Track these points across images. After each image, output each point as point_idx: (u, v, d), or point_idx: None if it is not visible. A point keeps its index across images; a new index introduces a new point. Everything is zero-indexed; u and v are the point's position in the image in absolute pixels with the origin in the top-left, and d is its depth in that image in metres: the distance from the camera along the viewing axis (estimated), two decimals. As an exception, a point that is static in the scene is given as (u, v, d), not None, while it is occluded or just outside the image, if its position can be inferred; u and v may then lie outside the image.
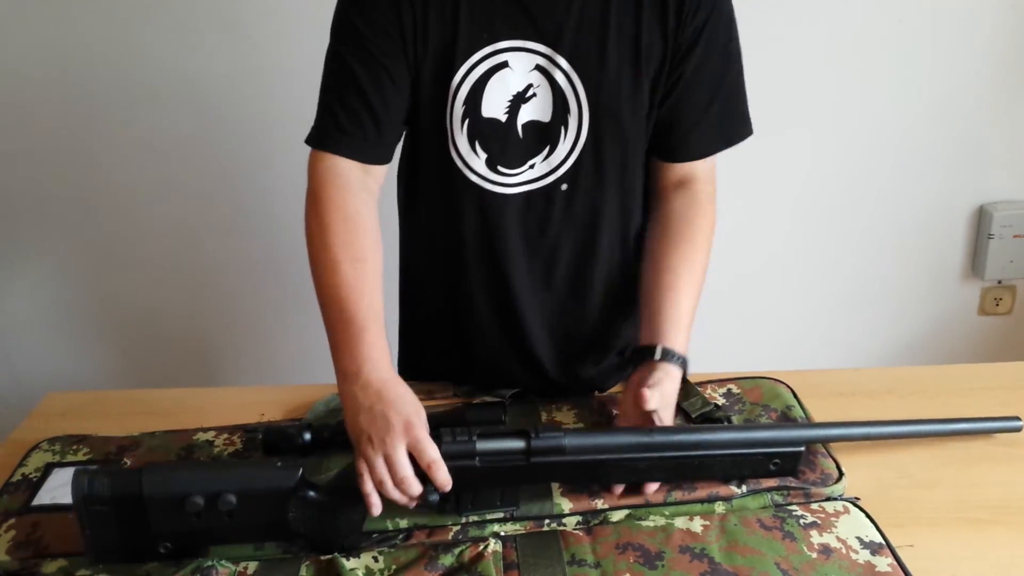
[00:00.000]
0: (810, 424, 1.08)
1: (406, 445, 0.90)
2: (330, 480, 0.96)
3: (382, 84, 1.07)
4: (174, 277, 2.15)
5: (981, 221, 2.12)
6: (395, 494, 0.91)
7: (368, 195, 1.10)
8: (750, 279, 2.16)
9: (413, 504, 0.92)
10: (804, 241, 2.15)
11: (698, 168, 1.17)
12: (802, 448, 0.99)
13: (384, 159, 1.12)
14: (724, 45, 1.12)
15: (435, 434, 0.92)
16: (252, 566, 0.90)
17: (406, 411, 0.92)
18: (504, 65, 1.07)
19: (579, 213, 1.15)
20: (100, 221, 2.09)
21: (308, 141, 1.11)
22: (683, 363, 1.06)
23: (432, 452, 0.91)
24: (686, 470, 0.97)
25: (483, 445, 0.93)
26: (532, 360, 1.22)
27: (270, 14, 1.87)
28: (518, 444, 0.94)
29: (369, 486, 0.90)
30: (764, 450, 0.97)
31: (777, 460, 0.98)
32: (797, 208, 2.11)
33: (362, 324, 0.99)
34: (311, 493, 0.92)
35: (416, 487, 0.91)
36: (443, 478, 0.90)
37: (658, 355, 1.05)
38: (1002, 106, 2.01)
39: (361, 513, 0.93)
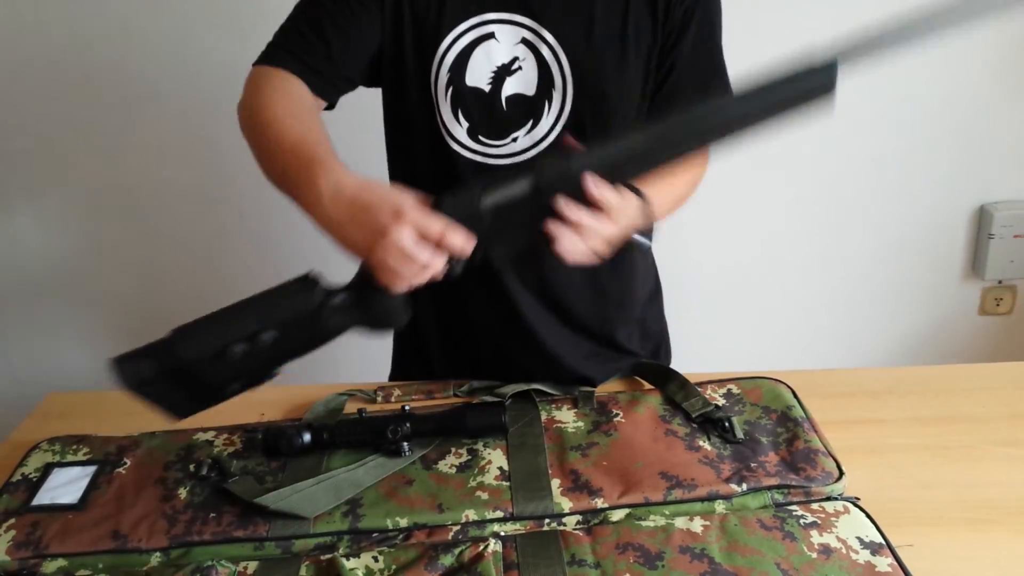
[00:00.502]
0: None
1: (408, 230, 0.83)
2: (352, 279, 0.92)
3: (346, 29, 1.08)
4: (175, 277, 2.15)
5: (982, 221, 2.12)
6: (423, 277, 0.87)
7: (313, 100, 1.08)
8: (750, 278, 2.16)
9: (443, 276, 0.88)
10: (805, 241, 2.15)
11: None
12: (837, 61, 0.85)
13: (327, 95, 1.11)
14: (714, 24, 1.13)
15: (435, 202, 0.86)
16: (252, 566, 0.90)
17: (389, 201, 0.85)
18: (490, 36, 1.09)
19: None
20: (100, 221, 2.09)
21: (256, 62, 1.10)
22: (648, 210, 0.97)
23: (435, 225, 0.84)
24: (710, 143, 0.88)
25: (489, 200, 0.86)
26: (522, 335, 1.23)
27: (271, 14, 1.87)
28: (523, 185, 0.86)
29: (402, 286, 0.87)
30: (794, 81, 0.85)
31: (811, 86, 0.86)
32: (797, 208, 2.11)
33: (316, 153, 0.93)
34: (340, 297, 0.90)
35: (437, 263, 0.85)
36: (458, 243, 0.85)
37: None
38: (1003, 105, 2.00)
39: (398, 297, 0.90)
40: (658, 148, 0.87)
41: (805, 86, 0.85)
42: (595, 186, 0.86)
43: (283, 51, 1.08)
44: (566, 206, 0.86)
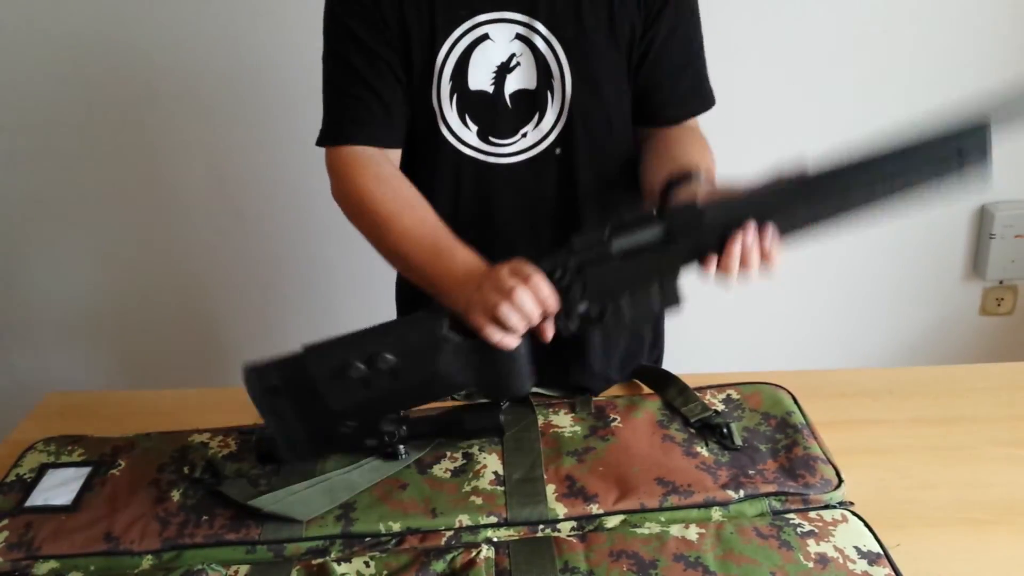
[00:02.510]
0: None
1: (527, 289, 0.90)
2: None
3: (381, 71, 1.10)
4: (174, 276, 2.15)
5: (983, 221, 2.10)
6: (532, 323, 0.91)
7: (393, 168, 1.12)
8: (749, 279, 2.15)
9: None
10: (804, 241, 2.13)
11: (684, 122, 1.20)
12: (989, 123, 0.82)
13: (398, 142, 1.14)
14: (691, 9, 1.15)
15: (566, 244, 0.91)
16: (243, 570, 0.90)
17: (509, 265, 0.93)
18: (485, 37, 1.10)
19: (577, 177, 1.17)
20: (99, 221, 2.08)
21: (322, 142, 1.14)
22: None
23: (543, 287, 0.90)
24: (853, 203, 0.85)
25: (619, 243, 0.89)
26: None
27: (270, 16, 1.87)
28: (655, 231, 0.89)
29: (510, 340, 0.92)
30: (943, 142, 0.82)
31: (961, 147, 0.82)
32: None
33: (450, 244, 1.01)
34: (461, 338, 0.92)
35: (550, 303, 0.90)
36: (542, 292, 0.90)
37: (702, 177, 1.00)
38: (1005, 105, 1.99)
39: (521, 351, 0.94)
40: (794, 206, 0.87)
41: (959, 150, 0.83)
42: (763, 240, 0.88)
43: (348, 124, 1.12)
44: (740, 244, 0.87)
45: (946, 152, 0.83)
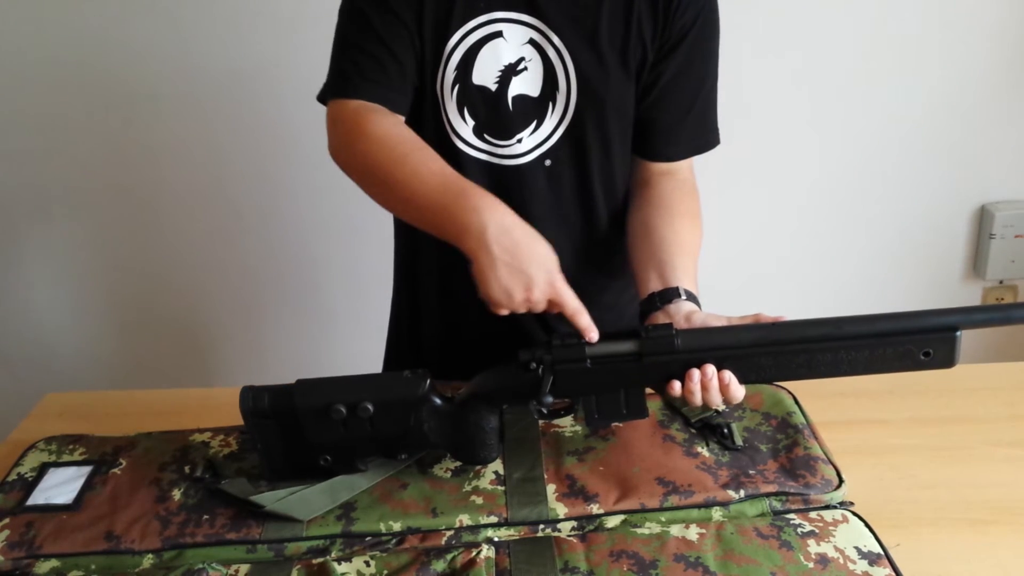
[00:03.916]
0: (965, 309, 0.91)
1: (548, 298, 0.95)
2: (461, 392, 0.99)
3: (400, 34, 1.07)
4: (174, 276, 2.15)
5: (983, 221, 2.11)
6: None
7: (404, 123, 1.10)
8: (749, 279, 2.16)
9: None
10: (805, 241, 2.14)
11: (679, 162, 1.20)
12: (959, 334, 0.87)
13: (406, 109, 1.11)
14: (708, 50, 1.14)
15: (546, 342, 0.95)
16: (243, 569, 0.90)
17: (546, 264, 0.95)
18: (498, 35, 1.09)
19: (563, 190, 1.17)
20: (99, 221, 2.08)
21: (326, 95, 1.11)
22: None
23: (575, 302, 0.95)
24: (818, 366, 0.91)
25: (593, 349, 0.94)
26: (519, 338, 1.22)
27: (270, 14, 1.87)
28: (629, 346, 0.94)
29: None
30: (913, 337, 0.88)
31: (929, 349, 0.88)
32: (797, 208, 2.10)
33: (467, 185, 0.98)
34: (440, 402, 0.97)
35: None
36: (586, 323, 0.95)
37: (683, 295, 1.04)
38: (1004, 105, 1.99)
39: (491, 425, 0.98)
40: (761, 352, 0.92)
41: (925, 351, 0.89)
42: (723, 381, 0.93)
43: (357, 79, 1.07)
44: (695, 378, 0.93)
45: (915, 347, 0.89)
